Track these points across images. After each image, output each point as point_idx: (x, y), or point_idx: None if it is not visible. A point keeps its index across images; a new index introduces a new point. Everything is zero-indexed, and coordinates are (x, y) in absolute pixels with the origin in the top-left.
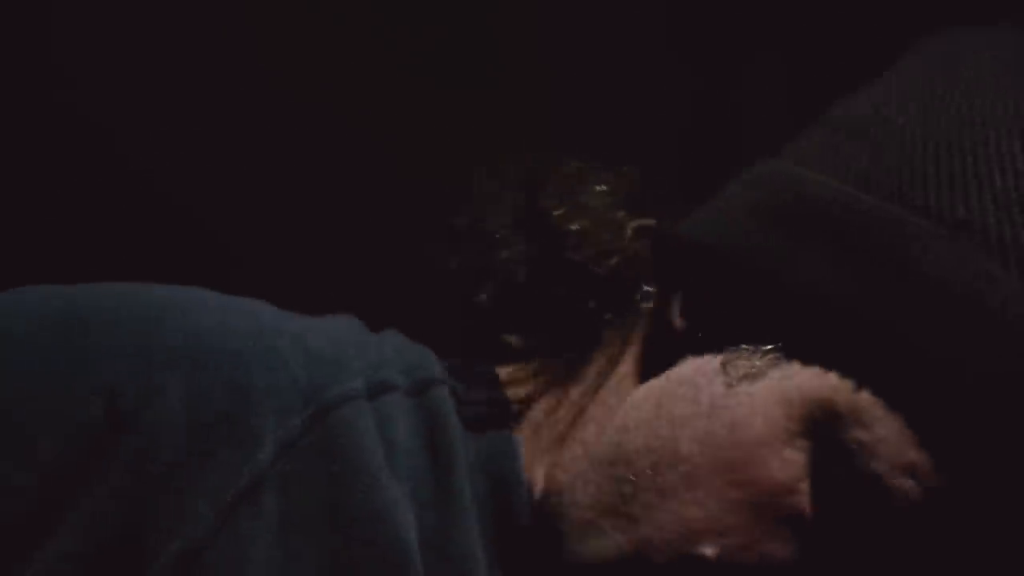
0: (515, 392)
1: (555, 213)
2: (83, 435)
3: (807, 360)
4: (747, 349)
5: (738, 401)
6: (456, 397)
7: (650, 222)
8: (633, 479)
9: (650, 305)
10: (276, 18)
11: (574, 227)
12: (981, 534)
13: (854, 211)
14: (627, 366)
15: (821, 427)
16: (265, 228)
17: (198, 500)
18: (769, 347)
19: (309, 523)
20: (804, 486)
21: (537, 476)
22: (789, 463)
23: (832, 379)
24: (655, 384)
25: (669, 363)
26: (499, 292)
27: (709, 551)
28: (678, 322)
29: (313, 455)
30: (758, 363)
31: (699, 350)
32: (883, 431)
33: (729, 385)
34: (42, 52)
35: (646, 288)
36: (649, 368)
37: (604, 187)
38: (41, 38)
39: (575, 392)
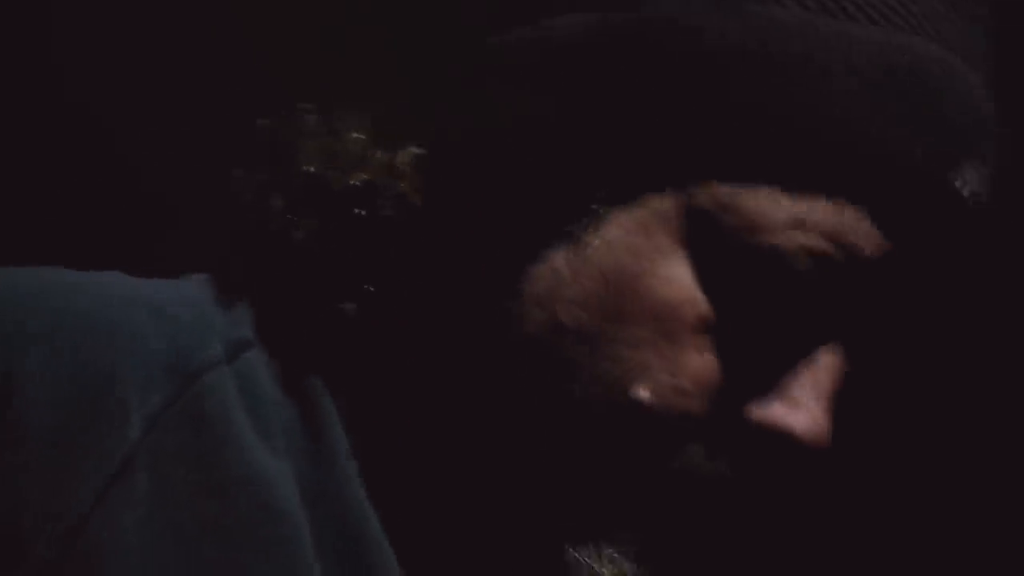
0: None
1: (333, 178)
2: None
3: (651, 174)
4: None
5: (597, 252)
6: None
7: (420, 151)
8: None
9: None
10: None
11: (356, 183)
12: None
13: None
14: None
15: (693, 232)
16: None
17: (71, 483)
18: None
19: (183, 495)
20: (698, 294)
21: None
22: (674, 280)
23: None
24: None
25: None
26: (304, 269)
27: (644, 394)
28: None
29: (179, 427)
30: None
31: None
32: (751, 205)
33: (576, 244)
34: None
35: None
36: None
37: (360, 135)
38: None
39: None
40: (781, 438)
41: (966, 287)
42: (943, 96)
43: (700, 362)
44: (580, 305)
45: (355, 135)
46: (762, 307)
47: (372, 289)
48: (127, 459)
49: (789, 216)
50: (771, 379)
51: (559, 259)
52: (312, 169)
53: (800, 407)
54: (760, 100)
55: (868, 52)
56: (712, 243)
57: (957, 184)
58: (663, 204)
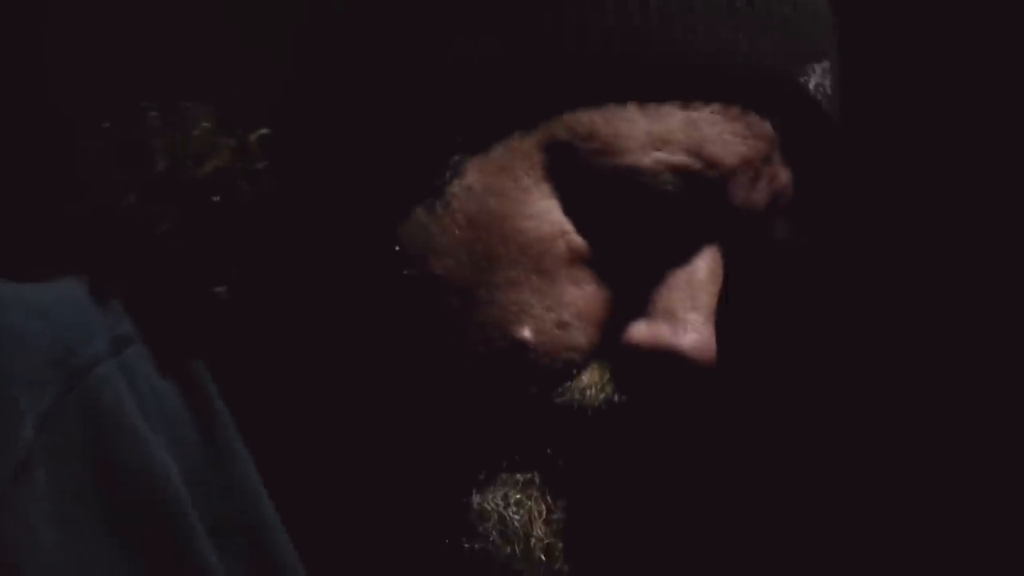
0: None
1: (186, 169)
2: None
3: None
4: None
5: (460, 199)
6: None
7: (264, 131)
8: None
9: None
10: None
11: (204, 171)
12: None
13: None
14: None
15: (554, 166)
16: None
17: None
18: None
19: (81, 490)
20: (568, 226)
21: None
22: (541, 215)
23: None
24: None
25: None
26: (170, 260)
27: (526, 334)
28: None
29: (72, 421)
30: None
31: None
32: (608, 129)
33: (440, 195)
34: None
35: None
36: None
37: (207, 123)
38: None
39: None
40: (669, 358)
41: (830, 181)
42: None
43: (579, 294)
44: (450, 255)
45: (203, 124)
46: (632, 229)
47: (241, 270)
48: (24, 459)
49: (646, 135)
50: (652, 300)
51: (423, 213)
52: (163, 164)
53: (684, 324)
54: (594, 18)
55: None
56: (574, 173)
57: (804, 82)
58: (521, 143)
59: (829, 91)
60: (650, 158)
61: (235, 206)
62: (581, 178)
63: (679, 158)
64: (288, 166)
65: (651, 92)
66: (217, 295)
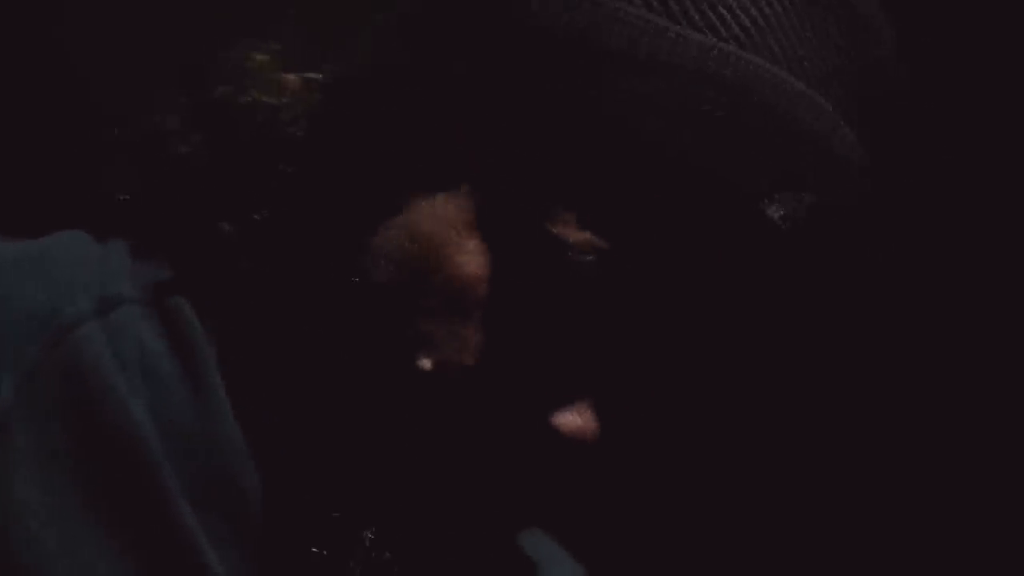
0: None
1: (219, 93)
2: None
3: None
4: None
5: (411, 215)
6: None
7: (316, 76)
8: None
9: None
10: None
11: (242, 101)
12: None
13: None
14: None
15: (496, 210)
16: None
17: None
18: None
19: (59, 450)
20: (491, 272)
21: None
22: (476, 254)
23: None
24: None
25: None
26: (190, 189)
27: (425, 362)
28: None
29: (54, 381)
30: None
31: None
32: (550, 191)
33: (410, 204)
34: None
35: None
36: None
37: (266, 56)
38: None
39: None
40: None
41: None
42: (765, 116)
43: (486, 340)
44: (392, 260)
45: (260, 57)
46: (548, 293)
47: (251, 210)
48: (3, 418)
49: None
50: (551, 368)
51: (396, 217)
52: (219, 91)
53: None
54: (571, 88)
55: (693, 59)
56: (512, 224)
57: (767, 209)
58: (482, 176)
59: (795, 217)
60: (577, 232)
61: (262, 142)
62: (515, 230)
63: (603, 242)
64: (323, 121)
65: (603, 171)
66: (221, 231)
